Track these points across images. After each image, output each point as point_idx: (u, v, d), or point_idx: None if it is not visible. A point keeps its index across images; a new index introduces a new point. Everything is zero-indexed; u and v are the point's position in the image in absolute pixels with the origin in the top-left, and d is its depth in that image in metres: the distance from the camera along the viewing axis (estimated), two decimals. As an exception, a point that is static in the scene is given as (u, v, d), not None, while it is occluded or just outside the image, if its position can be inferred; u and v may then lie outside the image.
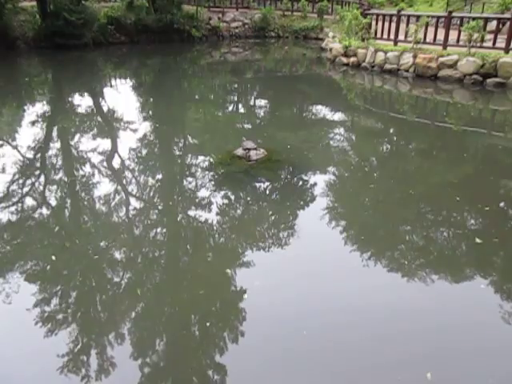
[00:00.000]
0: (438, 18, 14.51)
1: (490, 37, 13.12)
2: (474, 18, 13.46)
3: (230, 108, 12.11)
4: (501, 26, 13.60)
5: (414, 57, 13.78)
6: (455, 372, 3.40)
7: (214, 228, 5.37)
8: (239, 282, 4.34)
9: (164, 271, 4.60)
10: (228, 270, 4.51)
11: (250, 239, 5.12)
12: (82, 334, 3.74)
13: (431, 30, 14.11)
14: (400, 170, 7.38)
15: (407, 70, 13.93)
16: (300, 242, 5.04)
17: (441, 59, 13.15)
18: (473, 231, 5.33)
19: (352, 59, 15.85)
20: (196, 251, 4.97)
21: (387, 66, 14.49)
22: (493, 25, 13.91)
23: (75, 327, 3.80)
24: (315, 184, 6.57)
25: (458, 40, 13.49)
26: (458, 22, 14.15)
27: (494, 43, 12.73)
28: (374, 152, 8.19)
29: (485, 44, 12.95)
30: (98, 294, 4.21)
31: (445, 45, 13.50)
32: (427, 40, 14.09)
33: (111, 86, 14.82)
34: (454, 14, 14.35)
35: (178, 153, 8.36)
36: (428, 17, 14.58)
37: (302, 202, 6.12)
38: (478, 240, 5.06)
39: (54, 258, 4.73)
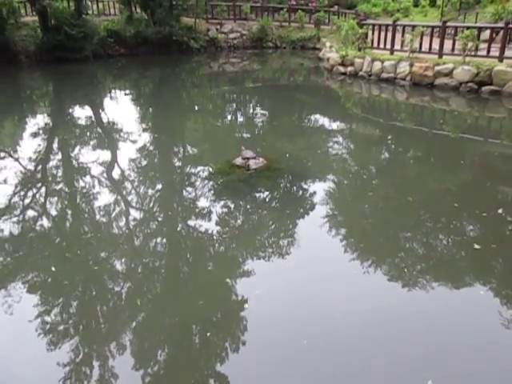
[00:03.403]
0: (433, 27, 14.63)
1: (484, 46, 13.22)
2: (468, 28, 13.58)
3: (229, 118, 12.15)
4: (494, 35, 13.71)
5: (411, 65, 13.87)
6: (456, 378, 3.37)
7: (214, 237, 5.36)
8: (240, 291, 4.31)
9: (164, 281, 4.57)
10: (228, 280, 4.49)
11: (250, 248, 5.10)
12: (83, 344, 3.71)
13: (426, 39, 14.22)
14: (398, 178, 7.39)
15: (404, 79, 14.01)
16: (300, 250, 5.03)
17: (437, 68, 13.24)
18: (471, 237, 5.32)
19: (349, 68, 15.94)
20: (196, 261, 4.95)
21: (384, 75, 14.58)
22: (486, 34, 14.01)
23: (76, 338, 3.77)
24: (314, 192, 6.57)
25: (453, 49, 13.59)
26: (453, 31, 14.27)
27: (488, 52, 12.83)
28: (372, 160, 8.20)
29: (479, 53, 13.04)
30: (99, 305, 4.18)
31: (440, 53, 13.60)
32: (423, 49, 14.19)
33: (111, 97, 14.88)
34: (448, 24, 14.48)
35: (177, 163, 8.37)
36: (423, 27, 14.70)
37: (301, 210, 6.11)
38: (476, 246, 5.05)
39: (53, 269, 4.71)
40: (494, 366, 3.50)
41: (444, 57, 13.55)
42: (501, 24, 14.27)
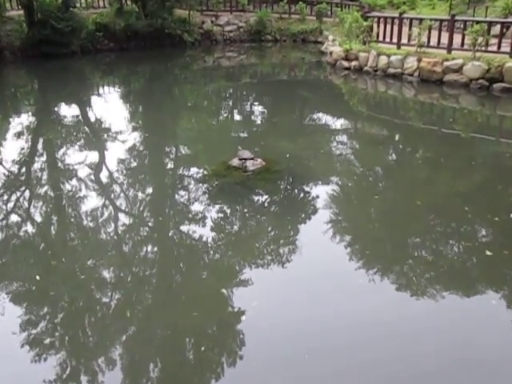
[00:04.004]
0: (442, 21, 14.66)
1: (494, 41, 13.26)
2: (477, 22, 13.61)
3: (225, 116, 12.15)
4: (505, 30, 13.75)
5: (419, 61, 13.89)
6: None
7: (209, 245, 5.34)
8: (236, 302, 4.30)
9: (155, 292, 4.56)
10: (224, 290, 4.48)
11: (248, 256, 5.09)
12: (69, 358, 3.69)
13: (435, 33, 14.24)
14: (406, 180, 7.39)
15: (411, 75, 14.03)
16: (301, 258, 5.02)
17: (446, 63, 13.27)
18: (483, 243, 5.32)
19: (353, 63, 15.96)
20: (189, 270, 4.94)
21: (391, 70, 14.60)
22: (497, 29, 14.05)
23: (63, 352, 3.75)
24: (317, 196, 6.56)
25: (462, 44, 13.62)
26: (462, 25, 14.27)
27: (499, 47, 12.86)
28: (378, 161, 8.21)
29: (490, 48, 13.08)
30: (86, 317, 4.16)
31: (449, 49, 13.63)
32: (431, 43, 14.22)
33: (99, 94, 14.87)
34: (457, 18, 14.49)
35: (169, 164, 8.36)
36: (431, 20, 14.74)
37: (303, 215, 6.10)
38: (488, 252, 5.04)
39: (38, 278, 4.69)
40: (509, 382, 3.50)
41: (453, 52, 13.58)
42: (511, 19, 14.30)
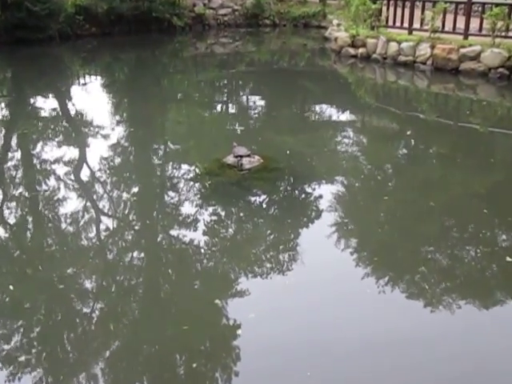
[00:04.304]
0: (457, 3, 14.68)
1: (515, 26, 13.29)
2: (497, 5, 13.64)
3: (219, 108, 12.15)
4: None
5: (432, 47, 13.92)
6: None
7: (201, 251, 5.34)
8: (231, 314, 4.29)
9: (142, 303, 4.55)
10: (218, 301, 4.47)
11: (244, 264, 5.09)
12: (46, 377, 3.67)
13: (450, 17, 14.27)
14: (419, 179, 7.40)
15: (424, 63, 14.06)
16: (303, 265, 5.02)
17: (462, 50, 13.30)
18: (503, 249, 5.34)
19: (360, 50, 15.98)
20: (180, 279, 4.93)
21: (401, 58, 14.63)
22: (518, 12, 14.09)
23: (39, 370, 3.73)
24: (320, 197, 6.57)
25: (480, 29, 13.65)
26: (480, 8, 14.31)
27: (521, 33, 12.91)
28: (388, 158, 8.22)
29: (510, 33, 13.11)
30: (65, 330, 4.15)
31: (466, 34, 13.66)
32: (446, 29, 14.25)
33: (80, 84, 14.84)
34: (474, 0, 14.54)
35: (157, 162, 8.35)
36: (446, 2, 14.77)
37: (304, 219, 6.11)
38: (509, 259, 5.06)
39: (12, 287, 4.68)
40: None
41: (470, 38, 13.60)
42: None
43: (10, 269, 5.08)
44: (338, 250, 5.33)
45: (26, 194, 6.79)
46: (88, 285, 4.73)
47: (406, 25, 15.24)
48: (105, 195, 6.71)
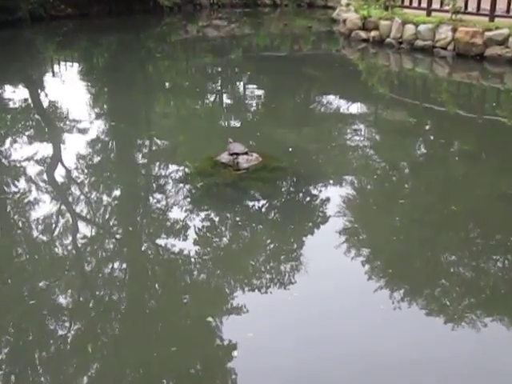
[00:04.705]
0: (483, -20, 14.75)
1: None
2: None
3: (212, 99, 12.16)
4: None
5: (454, 31, 13.97)
6: None
7: (192, 262, 5.34)
8: (226, 333, 4.29)
9: (124, 321, 4.54)
10: (211, 319, 4.47)
11: (241, 276, 5.09)
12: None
13: (474, -4, 14.35)
14: (439, 180, 7.41)
15: (445, 48, 14.11)
16: (307, 278, 5.02)
17: (487, 34, 13.34)
18: (536, 260, 5.35)
19: (373, 34, 16.04)
20: (167, 293, 4.93)
21: (419, 43, 14.68)
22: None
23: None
24: (327, 200, 6.58)
25: (508, 9, 13.70)
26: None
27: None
28: (404, 155, 8.24)
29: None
30: (37, 352, 4.14)
31: (492, 15, 13.71)
32: (469, 9, 14.30)
33: (54, 72, 14.85)
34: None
35: (141, 160, 8.35)
36: (470, -22, 14.82)
37: (309, 225, 6.11)
38: (542, 271, 5.08)
39: (-25, 304, 4.68)
40: None
41: (497, 20, 13.66)
42: None
43: (-26, 282, 5.08)
44: (347, 261, 5.34)
45: (-7, 197, 6.79)
46: (63, 300, 4.71)
47: (424, 5, 15.30)
48: (82, 198, 6.71)
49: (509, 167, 7.67)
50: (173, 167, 7.58)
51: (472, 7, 14.27)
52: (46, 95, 12.10)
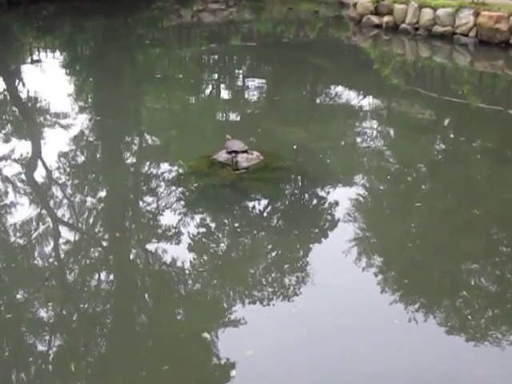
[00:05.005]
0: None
1: None
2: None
3: (208, 92, 12.15)
4: None
5: (476, 15, 13.95)
6: None
7: (186, 271, 5.33)
8: (223, 351, 4.28)
9: (111, 336, 4.54)
10: (206, 334, 4.47)
11: (240, 287, 5.08)
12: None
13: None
14: (459, 181, 7.41)
15: (466, 35, 14.10)
16: (314, 290, 5.01)
17: (514, 18, 13.34)
18: None
19: (386, 19, 16.02)
20: (158, 306, 4.92)
21: (437, 29, 14.66)
22: None
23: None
24: (336, 203, 6.57)
25: (537, -9, 13.71)
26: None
27: None
28: (421, 154, 8.22)
29: None
30: (14, 371, 4.14)
31: (519, -3, 13.71)
32: (494, -9, 14.30)
33: (33, 61, 14.83)
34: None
35: (130, 159, 8.35)
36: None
37: (316, 231, 6.11)
38: None
39: None
40: None
41: (525, 2, 13.66)
42: None
43: None
44: (357, 271, 5.33)
45: (-35, 200, 6.79)
46: (43, 314, 4.71)
47: (443, -13, 15.29)
48: (64, 201, 6.70)
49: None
50: (165, 167, 7.57)
51: (496, -11, 14.26)
52: (25, 87, 12.09)
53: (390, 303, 4.85)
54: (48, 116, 9.82)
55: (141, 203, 6.75)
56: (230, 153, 7.10)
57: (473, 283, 5.19)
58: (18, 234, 5.91)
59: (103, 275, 5.30)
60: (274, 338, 4.44)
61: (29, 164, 7.77)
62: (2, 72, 13.41)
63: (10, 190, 6.94)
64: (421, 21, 15.07)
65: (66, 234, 6.02)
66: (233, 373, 4.08)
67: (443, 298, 4.97)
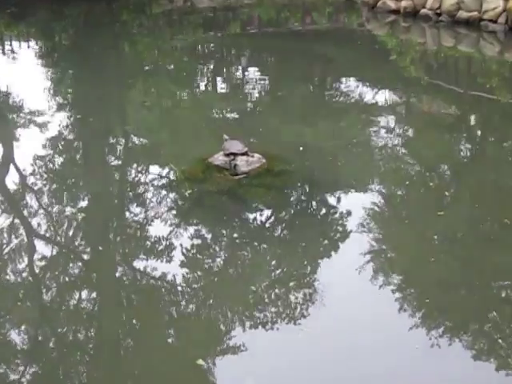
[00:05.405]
0: None
1: None
2: None
3: (203, 86, 12.17)
4: None
5: (506, -1, 14.00)
6: None
7: (179, 290, 5.33)
8: (220, 380, 4.28)
9: (93, 363, 4.53)
10: (201, 362, 4.46)
11: (239, 308, 5.07)
12: None
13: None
14: (488, 187, 7.40)
15: (495, 21, 14.12)
16: (323, 310, 5.00)
17: (549, 2, 13.38)
18: None
19: (404, 3, 16.07)
20: (147, 330, 4.90)
21: (462, 15, 14.69)
22: None
23: None
24: (348, 212, 6.57)
25: None
26: None
27: None
28: (444, 156, 8.21)
29: None
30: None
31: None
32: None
33: (4, 52, 14.88)
34: None
35: (114, 163, 8.34)
36: None
37: (325, 243, 6.10)
38: None
39: None
40: None
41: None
42: None
43: None
44: (373, 289, 5.32)
45: None
46: (16, 338, 4.69)
47: (468, -33, 15.32)
48: (40, 211, 6.70)
49: None
50: (154, 171, 7.58)
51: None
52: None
53: (410, 326, 4.83)
54: (21, 114, 9.83)
55: (127, 213, 6.74)
56: (227, 155, 7.11)
57: (505, 303, 5.18)
58: (-13, 248, 5.93)
59: (84, 295, 5.29)
60: (278, 366, 4.44)
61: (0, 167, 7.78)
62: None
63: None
64: (443, 5, 15.10)
65: (42, 248, 6.00)
66: (231, 405, 4.10)
67: (471, 321, 4.96)
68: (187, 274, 5.54)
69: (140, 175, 7.63)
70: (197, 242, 6.01)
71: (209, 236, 6.12)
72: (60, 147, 8.42)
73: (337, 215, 6.58)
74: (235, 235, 6.14)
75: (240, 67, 13.70)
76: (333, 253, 5.97)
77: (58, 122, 9.42)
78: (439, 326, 4.83)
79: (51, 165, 7.86)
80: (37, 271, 5.63)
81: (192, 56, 14.52)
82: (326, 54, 14.35)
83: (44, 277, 5.55)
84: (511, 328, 4.85)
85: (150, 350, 4.67)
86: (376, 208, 6.73)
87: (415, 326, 4.85)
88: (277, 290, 5.31)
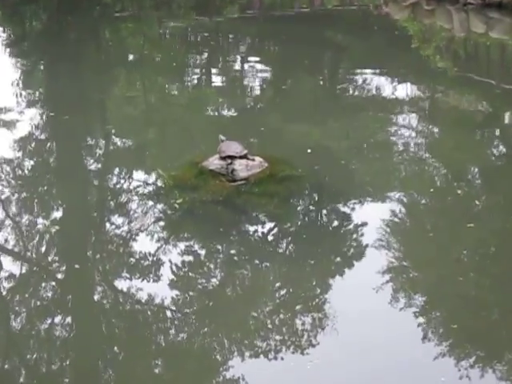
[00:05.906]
0: None
1: None
2: None
3: (196, 79, 12.18)
4: None
5: (545, -23, 14.04)
6: None
7: (167, 314, 5.33)
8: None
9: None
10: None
11: (237, 335, 5.08)
12: None
13: None
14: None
15: (532, 3, 14.17)
16: (334, 338, 5.00)
17: None
18: None
19: (427, -17, 16.12)
20: (131, 360, 4.92)
21: (494, -4, 14.74)
22: None
23: None
24: (363, 224, 6.58)
25: None
26: None
27: None
28: (473, 160, 8.22)
29: None
30: None
31: None
32: None
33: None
34: None
35: (93, 166, 8.35)
36: None
37: (338, 260, 6.12)
38: None
39: None
40: None
41: None
42: None
43: None
44: (392, 312, 5.33)
45: None
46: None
47: None
48: (7, 222, 6.71)
49: None
50: (139, 177, 7.59)
51: None
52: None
53: (435, 356, 4.83)
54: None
55: (107, 226, 6.75)
56: (224, 158, 7.12)
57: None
58: None
59: (58, 320, 5.29)
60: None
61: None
62: None
63: None
64: (473, -15, 15.16)
65: (9, 265, 6.00)
66: None
67: (505, 349, 4.96)
68: (177, 296, 5.54)
69: (122, 182, 7.63)
70: (188, 258, 6.02)
71: (202, 252, 6.13)
72: (30, 149, 8.42)
73: (350, 228, 6.59)
74: (233, 251, 6.15)
75: (238, 57, 13.71)
76: (346, 271, 5.97)
77: (28, 120, 9.44)
78: (469, 355, 4.83)
79: (20, 170, 7.87)
80: (3, 293, 5.62)
81: (183, 44, 14.57)
82: (338, 42, 14.40)
83: (12, 299, 5.55)
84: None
85: (134, 381, 4.67)
86: (396, 219, 6.74)
87: (441, 355, 4.85)
88: (281, 315, 5.32)
